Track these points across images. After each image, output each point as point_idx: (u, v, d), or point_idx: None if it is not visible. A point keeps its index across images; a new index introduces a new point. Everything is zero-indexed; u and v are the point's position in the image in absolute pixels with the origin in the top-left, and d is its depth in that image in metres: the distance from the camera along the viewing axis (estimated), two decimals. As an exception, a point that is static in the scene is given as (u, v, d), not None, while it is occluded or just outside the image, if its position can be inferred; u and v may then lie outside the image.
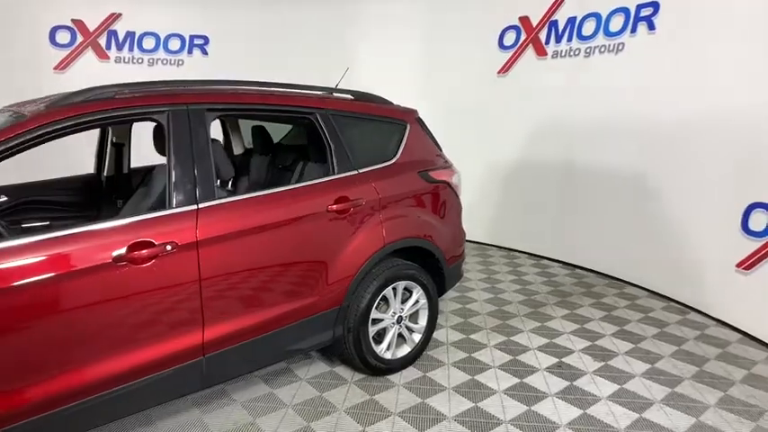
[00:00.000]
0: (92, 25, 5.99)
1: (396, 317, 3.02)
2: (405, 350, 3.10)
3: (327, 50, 6.23)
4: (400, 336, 3.09)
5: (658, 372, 3.14)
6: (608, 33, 4.68)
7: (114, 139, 3.37)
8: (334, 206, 2.65)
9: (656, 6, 4.26)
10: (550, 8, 5.14)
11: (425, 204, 3.12)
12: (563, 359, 3.27)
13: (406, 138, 3.12)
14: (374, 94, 3.22)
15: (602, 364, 3.23)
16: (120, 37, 6.15)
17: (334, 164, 2.75)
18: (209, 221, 2.22)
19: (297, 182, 2.95)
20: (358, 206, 2.74)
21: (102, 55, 6.09)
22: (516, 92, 5.50)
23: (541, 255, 5.58)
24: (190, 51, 6.44)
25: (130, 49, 6.21)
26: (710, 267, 3.95)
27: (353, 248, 2.73)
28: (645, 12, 4.34)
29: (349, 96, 3.05)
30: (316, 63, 6.09)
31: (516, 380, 3.01)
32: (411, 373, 3.09)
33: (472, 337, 3.59)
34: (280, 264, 2.48)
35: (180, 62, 6.41)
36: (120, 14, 6.09)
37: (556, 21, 5.12)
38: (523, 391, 2.89)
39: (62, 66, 5.93)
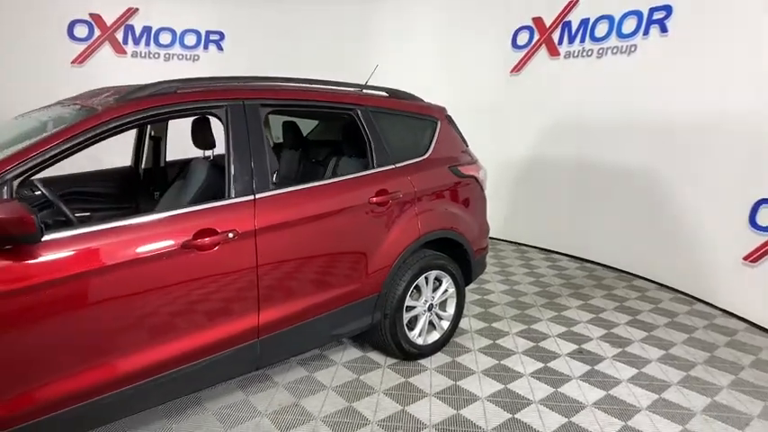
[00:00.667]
0: (109, 20, 6.07)
1: (427, 304, 3.18)
2: (434, 336, 3.26)
3: (342, 48, 6.35)
4: (430, 323, 3.24)
5: (672, 357, 3.32)
6: (621, 35, 4.84)
7: (152, 133, 3.48)
8: (375, 198, 2.79)
9: (668, 10, 4.43)
10: (564, 9, 5.30)
11: (455, 198, 3.27)
12: (582, 345, 3.45)
13: (437, 134, 3.27)
14: (405, 91, 3.36)
15: (620, 350, 3.40)
16: (137, 32, 6.23)
17: (374, 158, 2.89)
18: (265, 211, 2.35)
19: (331, 176, 3.10)
20: (396, 199, 2.88)
21: (119, 49, 6.17)
22: (529, 91, 5.65)
23: (551, 249, 5.75)
24: (206, 47, 6.53)
25: (147, 44, 6.30)
26: (718, 260, 4.13)
27: (392, 239, 2.88)
28: (657, 15, 4.51)
29: (384, 93, 3.19)
30: (330, 60, 6.22)
31: (541, 364, 3.18)
32: (440, 358, 3.24)
33: (494, 325, 3.75)
34: (327, 252, 2.62)
35: (196, 57, 6.50)
36: (137, 9, 6.17)
37: (569, 22, 5.28)
38: (548, 375, 3.05)
39: (80, 59, 6.00)
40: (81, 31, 5.97)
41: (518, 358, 3.26)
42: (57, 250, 1.83)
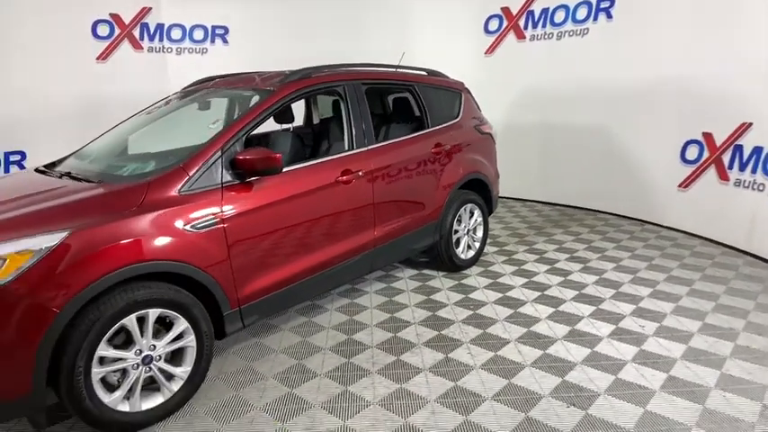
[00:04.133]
0: (127, 18, 6.64)
1: (466, 229, 4.28)
2: (471, 254, 4.37)
3: (338, 39, 7.23)
4: (467, 244, 4.34)
5: (637, 256, 4.62)
6: (575, 21, 6.09)
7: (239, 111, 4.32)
8: (434, 149, 3.84)
9: (612, 0, 5.71)
10: (528, 0, 6.49)
11: (480, 150, 4.36)
12: (574, 254, 4.69)
13: (462, 102, 4.34)
14: (437, 70, 4.39)
15: (600, 254, 4.67)
16: (152, 29, 6.83)
17: (428, 120, 3.93)
18: (374, 157, 3.35)
19: (384, 138, 4.08)
20: (445, 150, 3.94)
21: (137, 45, 6.76)
22: (501, 68, 6.82)
23: (526, 198, 7.02)
24: (212, 41, 7.21)
25: (160, 40, 6.91)
26: (660, 190, 5.50)
27: (445, 179, 3.94)
28: (604, 4, 5.78)
29: (424, 72, 4.21)
30: (325, 51, 7.10)
31: (549, 266, 4.38)
32: (476, 269, 4.37)
33: (505, 248, 4.92)
34: (409, 188, 3.65)
35: (204, 50, 7.18)
36: (150, 8, 6.77)
37: (532, 10, 6.48)
38: (557, 272, 4.25)
39: (103, 56, 6.55)
40: (103, 29, 6.51)
41: (532, 264, 4.44)
42: (286, 178, 2.78)
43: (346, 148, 3.30)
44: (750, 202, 4.55)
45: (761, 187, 4.44)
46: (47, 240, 2.05)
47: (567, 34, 6.21)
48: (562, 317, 3.41)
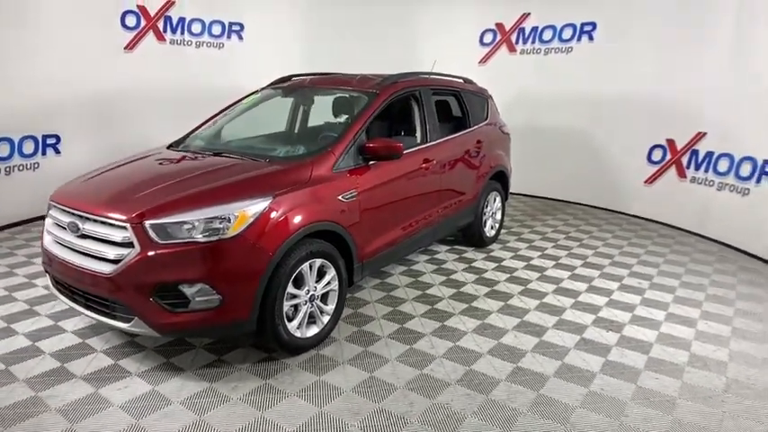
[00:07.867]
0: (153, 10, 7.00)
1: (491, 212, 5.21)
2: (492, 232, 5.31)
3: (349, 44, 7.95)
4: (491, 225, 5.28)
5: (616, 236, 5.75)
6: (561, 40, 7.18)
7: (303, 107, 4.98)
8: (476, 145, 4.73)
9: (594, 24, 6.84)
10: (519, 19, 7.51)
11: (502, 147, 5.31)
12: (568, 234, 5.75)
13: (489, 106, 5.26)
14: (468, 77, 5.27)
15: (588, 235, 5.76)
16: (174, 22, 7.22)
17: (470, 121, 4.81)
18: (440, 150, 4.18)
19: (442, 135, 4.87)
20: (483, 145, 4.84)
21: (161, 37, 7.13)
22: (493, 77, 7.75)
23: (513, 192, 8.05)
24: (228, 36, 7.70)
25: (182, 33, 7.31)
26: (628, 185, 6.70)
27: (482, 169, 4.84)
28: (587, 28, 6.90)
29: (461, 80, 5.08)
30: (335, 55, 7.80)
31: (553, 243, 5.41)
32: (496, 245, 5.31)
33: (513, 230, 5.91)
34: (460, 175, 4.51)
35: (221, 45, 7.65)
36: (174, 1, 7.17)
37: (523, 27, 7.52)
38: (560, 248, 5.28)
39: (130, 46, 6.88)
40: (131, 20, 6.84)
41: (538, 242, 5.45)
42: (403, 160, 3.55)
43: (419, 141, 4.10)
44: (702, 195, 5.79)
45: (711, 183, 5.69)
46: (261, 203, 2.74)
47: (553, 51, 7.29)
48: (580, 278, 4.42)
